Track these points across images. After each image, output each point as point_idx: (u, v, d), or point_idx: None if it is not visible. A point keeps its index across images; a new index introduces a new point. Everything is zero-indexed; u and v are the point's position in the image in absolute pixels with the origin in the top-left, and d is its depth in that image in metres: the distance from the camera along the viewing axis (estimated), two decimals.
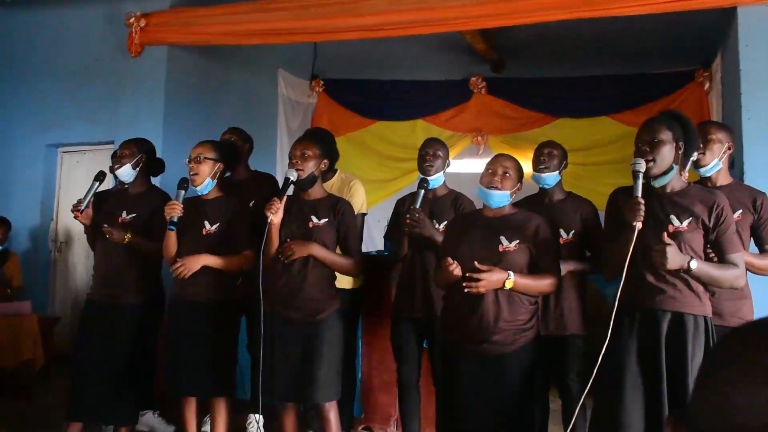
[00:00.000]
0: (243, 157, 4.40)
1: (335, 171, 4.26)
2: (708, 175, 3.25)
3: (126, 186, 4.04)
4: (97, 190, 3.97)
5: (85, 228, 4.02)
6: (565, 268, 3.54)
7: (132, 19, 5.94)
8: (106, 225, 3.78)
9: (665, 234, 2.71)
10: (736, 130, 4.60)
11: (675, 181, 2.88)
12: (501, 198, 3.10)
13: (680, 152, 2.85)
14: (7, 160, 6.78)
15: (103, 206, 3.97)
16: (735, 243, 2.84)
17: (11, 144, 6.78)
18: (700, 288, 2.80)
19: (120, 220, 3.87)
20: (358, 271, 3.63)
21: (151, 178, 4.13)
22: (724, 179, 3.27)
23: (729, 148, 3.28)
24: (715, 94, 6.48)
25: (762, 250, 3.23)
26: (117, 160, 3.94)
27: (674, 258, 2.67)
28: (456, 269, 2.93)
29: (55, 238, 6.75)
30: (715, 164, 3.21)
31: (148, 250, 3.85)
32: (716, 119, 6.36)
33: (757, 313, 3.25)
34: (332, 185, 4.12)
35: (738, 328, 0.76)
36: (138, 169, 3.94)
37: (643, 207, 2.72)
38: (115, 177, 4.09)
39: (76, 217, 3.88)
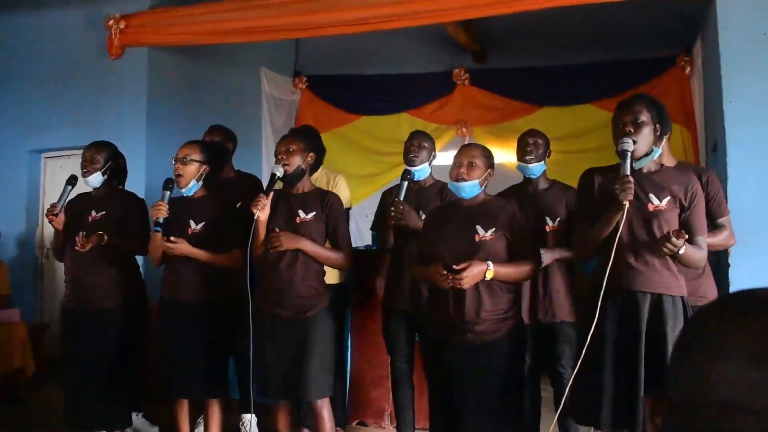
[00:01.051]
0: (228, 156, 4.39)
1: (319, 166, 4.26)
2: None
3: (91, 191, 4.00)
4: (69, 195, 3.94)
5: (55, 234, 3.95)
6: (552, 256, 3.57)
7: (111, 21, 5.91)
8: (82, 232, 3.74)
9: (675, 233, 2.71)
10: (718, 113, 4.63)
11: (649, 162, 2.91)
12: (470, 188, 3.11)
13: (657, 134, 2.88)
14: None
15: (68, 211, 3.91)
16: (703, 226, 2.91)
17: None
18: (675, 268, 2.84)
19: (91, 219, 3.85)
20: (349, 264, 3.59)
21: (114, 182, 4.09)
22: (668, 161, 3.29)
23: (666, 133, 3.31)
24: (696, 78, 6.51)
25: (713, 226, 3.27)
26: (87, 165, 3.89)
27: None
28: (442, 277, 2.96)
29: (42, 244, 6.71)
30: (655, 151, 3.23)
31: (127, 249, 3.84)
32: (698, 103, 6.42)
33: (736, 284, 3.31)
34: (315, 181, 4.11)
35: (713, 304, 0.76)
36: (107, 175, 3.93)
37: (632, 185, 2.73)
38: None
39: (51, 222, 3.83)
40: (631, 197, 2.73)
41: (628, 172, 2.78)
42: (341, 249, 3.51)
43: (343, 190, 4.15)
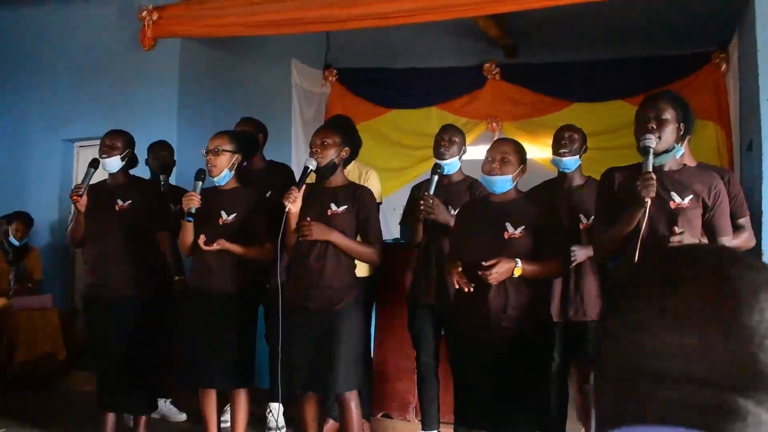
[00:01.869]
0: (258, 146, 4.41)
1: (353, 159, 4.25)
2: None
3: (105, 180, 4.01)
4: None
5: (75, 219, 3.93)
6: (585, 253, 3.53)
7: (144, 13, 5.96)
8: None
9: (675, 228, 2.70)
10: (754, 112, 4.55)
11: (671, 161, 2.87)
12: (502, 183, 3.09)
13: (680, 133, 2.84)
14: (25, 156, 6.83)
15: (91, 198, 3.90)
16: (727, 226, 2.87)
17: (28, 140, 6.83)
18: None
19: (118, 208, 3.89)
20: (379, 258, 3.56)
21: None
22: (689, 161, 3.25)
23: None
24: (732, 75, 6.40)
25: (735, 226, 3.23)
26: (105, 150, 3.92)
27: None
28: (461, 281, 2.97)
29: None
30: (677, 149, 3.18)
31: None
32: (733, 101, 6.31)
33: None
34: (348, 174, 4.11)
35: (638, 269, 0.73)
36: (125, 161, 3.96)
37: (655, 181, 2.69)
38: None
39: (75, 203, 3.83)
40: (653, 194, 2.69)
41: (650, 169, 2.74)
42: (372, 243, 3.49)
43: (374, 185, 4.13)
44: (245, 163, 3.95)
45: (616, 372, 0.67)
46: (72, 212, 6.72)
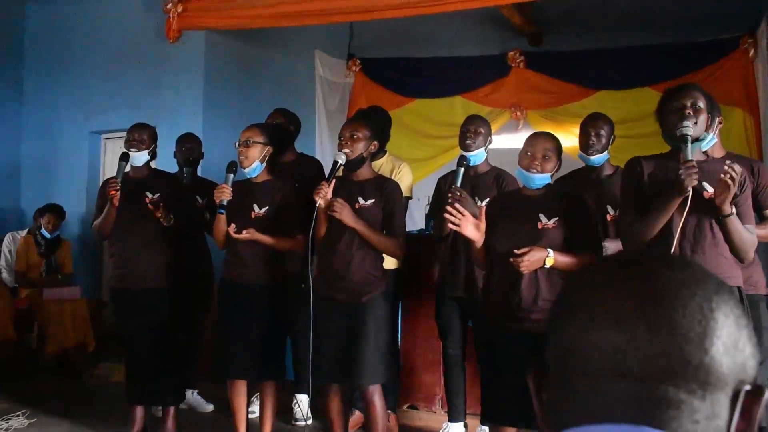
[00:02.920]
0: (291, 138, 4.43)
1: (384, 152, 4.24)
2: (704, 150, 3.18)
3: (127, 172, 4.00)
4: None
5: (106, 211, 3.88)
6: (615, 248, 3.48)
7: (170, 5, 5.99)
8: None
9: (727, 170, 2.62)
10: None
11: (697, 152, 2.84)
12: (542, 181, 3.07)
13: (708, 123, 2.80)
14: (54, 148, 6.92)
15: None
16: (750, 214, 2.85)
17: (57, 132, 6.92)
18: (731, 258, 2.77)
19: (148, 200, 3.93)
20: (401, 251, 3.55)
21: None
22: (718, 152, 3.20)
23: (720, 122, 3.22)
24: (761, 61, 6.30)
25: (762, 217, 3.19)
26: (134, 144, 3.96)
27: (729, 197, 2.64)
28: (453, 222, 2.93)
29: None
30: (711, 139, 3.13)
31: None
32: (762, 87, 6.22)
33: None
34: (380, 167, 4.09)
35: (581, 272, 0.76)
36: (149, 155, 4.02)
37: (696, 170, 2.65)
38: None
39: (113, 197, 3.80)
40: (695, 183, 2.65)
41: (690, 157, 2.70)
42: (395, 236, 3.48)
43: (405, 179, 4.11)
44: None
45: (558, 372, 0.70)
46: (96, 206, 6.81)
